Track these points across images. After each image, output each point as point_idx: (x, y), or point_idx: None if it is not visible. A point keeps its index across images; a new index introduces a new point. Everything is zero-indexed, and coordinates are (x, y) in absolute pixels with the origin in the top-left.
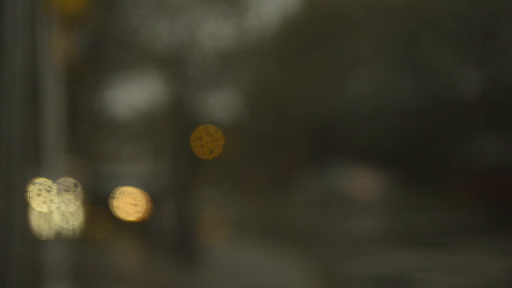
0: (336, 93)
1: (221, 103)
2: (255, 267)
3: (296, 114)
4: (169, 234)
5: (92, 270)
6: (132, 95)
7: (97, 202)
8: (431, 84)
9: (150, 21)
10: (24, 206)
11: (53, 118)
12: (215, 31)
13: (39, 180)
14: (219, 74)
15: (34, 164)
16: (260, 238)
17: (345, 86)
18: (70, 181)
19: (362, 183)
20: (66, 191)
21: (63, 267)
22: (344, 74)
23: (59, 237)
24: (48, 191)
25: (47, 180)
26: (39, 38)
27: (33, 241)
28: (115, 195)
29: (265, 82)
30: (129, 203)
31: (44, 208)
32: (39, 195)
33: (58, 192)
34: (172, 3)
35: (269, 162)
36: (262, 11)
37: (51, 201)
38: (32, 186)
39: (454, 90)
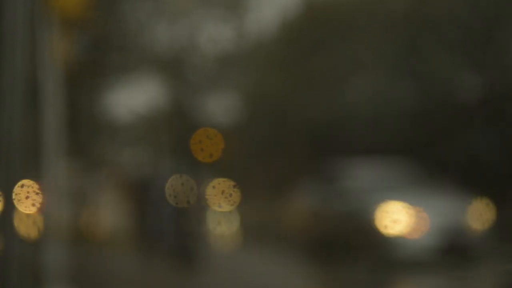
0: (336, 97)
1: (221, 106)
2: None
3: (296, 118)
4: (169, 238)
5: (93, 274)
6: (132, 98)
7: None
8: (431, 88)
9: (150, 24)
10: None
11: (53, 120)
12: (214, 35)
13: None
14: (219, 77)
15: (34, 167)
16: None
17: (346, 91)
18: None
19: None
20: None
21: (63, 269)
22: (344, 79)
23: None
24: (37, 193)
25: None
26: (39, 41)
27: (33, 243)
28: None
29: (265, 85)
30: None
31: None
32: (27, 197)
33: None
34: (172, 7)
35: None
36: (261, 15)
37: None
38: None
39: (454, 94)
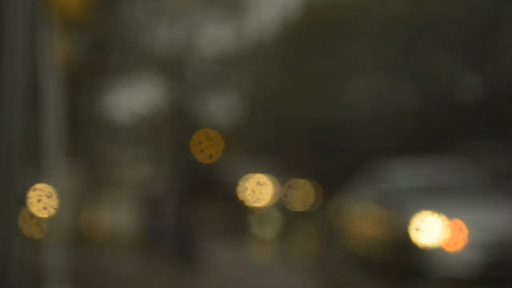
0: (336, 97)
1: (221, 107)
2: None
3: (296, 118)
4: (169, 238)
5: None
6: (132, 98)
7: None
8: (430, 89)
9: (150, 25)
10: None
11: (53, 120)
12: (214, 35)
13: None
14: (219, 77)
15: (34, 168)
16: None
17: (346, 91)
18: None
19: None
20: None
21: (63, 269)
22: (345, 79)
23: None
24: (49, 196)
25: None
26: (39, 41)
27: (34, 244)
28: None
29: (265, 86)
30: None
31: (43, 214)
32: (39, 201)
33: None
34: (172, 7)
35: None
36: (261, 15)
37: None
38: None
39: (454, 95)
